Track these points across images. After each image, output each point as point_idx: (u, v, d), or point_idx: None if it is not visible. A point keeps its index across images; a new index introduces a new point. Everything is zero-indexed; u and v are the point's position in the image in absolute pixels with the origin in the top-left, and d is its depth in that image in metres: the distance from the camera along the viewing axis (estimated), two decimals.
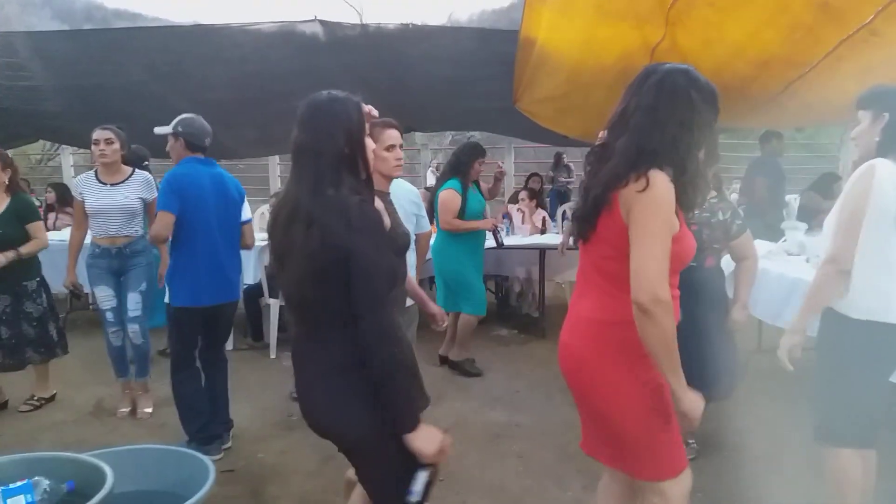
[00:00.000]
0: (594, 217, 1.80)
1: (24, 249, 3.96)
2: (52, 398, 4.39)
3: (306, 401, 1.85)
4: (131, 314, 4.06)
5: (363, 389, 1.71)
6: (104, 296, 4.05)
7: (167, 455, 2.58)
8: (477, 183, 5.00)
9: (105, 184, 4.02)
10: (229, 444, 3.70)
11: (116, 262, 4.05)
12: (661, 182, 1.68)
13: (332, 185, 1.70)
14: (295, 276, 1.74)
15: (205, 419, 3.55)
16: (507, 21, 5.00)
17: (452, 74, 5.46)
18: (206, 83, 5.42)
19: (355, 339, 1.68)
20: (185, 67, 5.29)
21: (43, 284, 4.17)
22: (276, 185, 10.78)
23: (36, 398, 4.30)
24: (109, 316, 4.08)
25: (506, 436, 3.87)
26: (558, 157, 11.86)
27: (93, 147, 3.93)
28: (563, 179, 11.74)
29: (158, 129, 3.47)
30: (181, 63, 5.24)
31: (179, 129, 3.44)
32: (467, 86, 5.72)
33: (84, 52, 5.12)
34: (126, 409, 4.18)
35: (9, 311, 4.03)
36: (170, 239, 3.39)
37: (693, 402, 1.74)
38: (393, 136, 2.73)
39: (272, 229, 1.81)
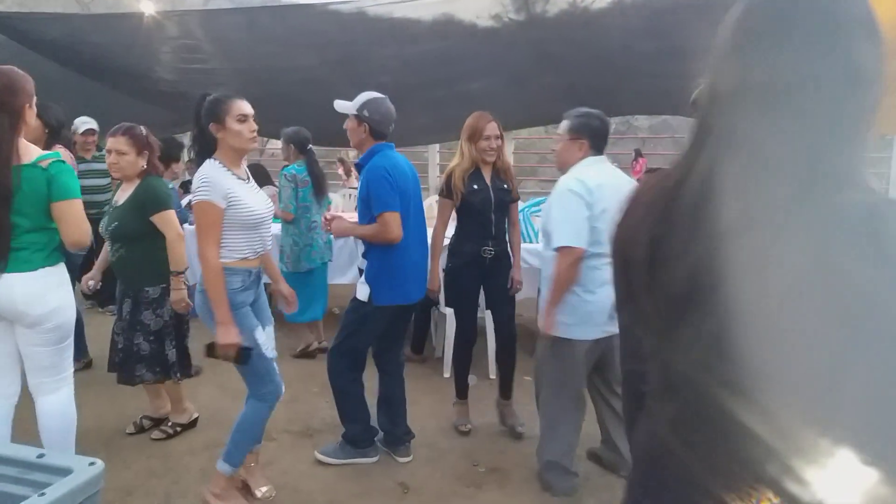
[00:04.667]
0: None
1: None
2: (194, 423, 3.71)
3: None
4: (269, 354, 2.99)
5: None
6: (266, 339, 2.89)
7: None
8: None
9: (243, 179, 2.79)
10: (411, 458, 3.33)
11: (256, 290, 2.91)
12: None
13: (838, 168, 0.79)
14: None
15: (368, 420, 3.36)
16: None
17: (653, 50, 4.73)
18: (377, 66, 5.05)
19: None
20: (354, 51, 4.97)
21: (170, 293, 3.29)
22: (434, 174, 9.81)
23: (170, 423, 3.66)
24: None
25: None
26: None
27: (235, 125, 2.65)
28: None
29: (340, 105, 3.12)
30: (351, 46, 4.93)
31: (365, 113, 3.05)
32: (668, 63, 4.59)
33: (262, 32, 4.96)
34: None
35: (128, 318, 3.32)
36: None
37: None
38: None
39: (674, 214, 0.92)
